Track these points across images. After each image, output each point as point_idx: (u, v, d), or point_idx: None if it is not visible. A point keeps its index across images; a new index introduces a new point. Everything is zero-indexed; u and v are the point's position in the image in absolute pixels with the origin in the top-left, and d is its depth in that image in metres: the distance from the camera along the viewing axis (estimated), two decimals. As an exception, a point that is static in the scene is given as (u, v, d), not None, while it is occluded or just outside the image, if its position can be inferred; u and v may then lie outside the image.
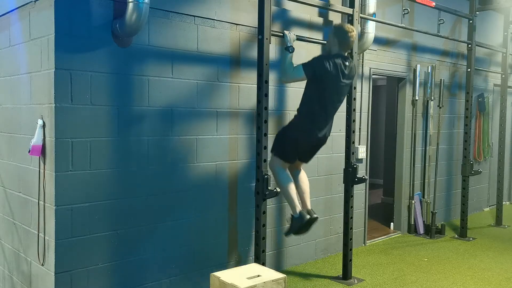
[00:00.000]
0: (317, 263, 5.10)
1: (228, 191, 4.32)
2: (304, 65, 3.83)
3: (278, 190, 3.88)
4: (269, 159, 3.91)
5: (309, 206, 4.07)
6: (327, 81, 3.83)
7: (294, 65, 3.90)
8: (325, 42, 4.88)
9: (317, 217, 4.02)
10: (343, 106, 4.72)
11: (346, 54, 3.98)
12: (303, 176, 4.18)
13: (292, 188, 3.97)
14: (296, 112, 4.05)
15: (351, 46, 4.00)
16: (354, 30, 3.94)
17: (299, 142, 3.99)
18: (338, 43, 3.90)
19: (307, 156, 4.18)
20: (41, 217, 3.46)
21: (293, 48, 3.97)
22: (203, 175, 4.12)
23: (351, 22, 4.57)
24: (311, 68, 3.81)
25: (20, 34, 3.68)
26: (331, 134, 4.87)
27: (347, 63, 3.89)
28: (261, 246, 3.85)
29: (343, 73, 3.85)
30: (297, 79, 3.96)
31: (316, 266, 5.01)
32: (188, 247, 4.05)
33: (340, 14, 5.10)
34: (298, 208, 3.97)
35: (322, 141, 4.06)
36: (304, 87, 4.00)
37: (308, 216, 3.95)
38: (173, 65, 3.87)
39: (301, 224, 3.95)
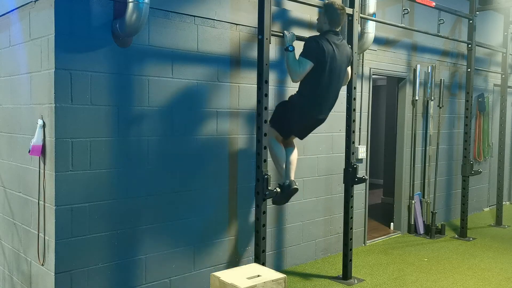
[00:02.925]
0: (317, 263, 5.10)
1: (228, 191, 4.32)
2: (305, 54, 3.91)
3: (278, 190, 3.89)
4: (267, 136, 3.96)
5: (292, 177, 4.16)
6: (324, 60, 3.92)
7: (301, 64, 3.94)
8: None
9: (297, 188, 4.11)
10: (343, 106, 4.74)
11: (337, 29, 4.06)
12: (294, 152, 4.32)
13: (283, 158, 4.15)
14: (295, 92, 4.15)
15: (342, 23, 4.07)
16: (344, 8, 4.02)
17: (297, 121, 4.12)
18: (329, 21, 3.99)
19: (302, 134, 4.33)
20: (41, 217, 3.46)
21: (293, 47, 3.98)
22: (203, 175, 4.12)
23: (351, 22, 4.58)
24: (313, 53, 3.90)
25: (20, 34, 3.68)
26: (331, 134, 4.89)
27: (338, 39, 4.00)
28: (261, 246, 3.85)
29: (337, 48, 3.96)
30: (307, 70, 3.95)
31: (316, 266, 5.01)
32: (188, 247, 4.05)
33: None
34: (287, 176, 4.13)
35: (321, 121, 4.21)
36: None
37: (294, 185, 4.06)
38: (173, 65, 3.87)
39: (289, 191, 4.05)
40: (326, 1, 4.09)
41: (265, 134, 3.82)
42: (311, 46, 3.95)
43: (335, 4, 4.01)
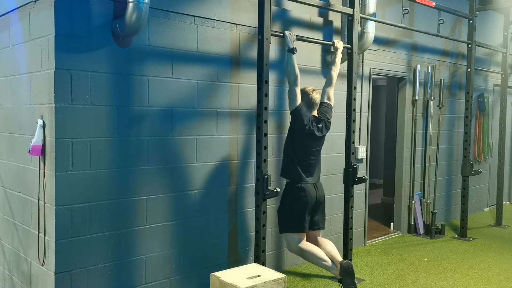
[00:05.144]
0: (317, 263, 5.09)
1: (228, 191, 4.32)
2: (296, 108, 4.09)
3: (278, 190, 3.89)
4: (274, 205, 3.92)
5: (340, 258, 4.23)
6: (305, 134, 4.13)
7: (297, 97, 4.09)
8: (325, 42, 4.92)
9: (350, 261, 4.22)
10: (343, 106, 4.75)
11: (318, 115, 4.25)
12: (324, 240, 4.37)
13: (319, 251, 4.19)
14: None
15: (317, 104, 4.26)
16: (314, 90, 4.27)
17: (299, 202, 4.14)
18: (306, 104, 4.20)
19: (315, 218, 4.30)
20: (41, 217, 3.46)
21: (296, 49, 4.03)
22: (203, 175, 4.12)
23: (351, 22, 4.58)
24: (297, 115, 4.10)
25: (20, 34, 3.68)
26: (331, 134, 4.88)
27: (320, 125, 4.22)
28: (261, 246, 3.85)
29: (318, 130, 4.21)
30: (291, 99, 4.12)
31: (316, 266, 5.00)
32: (188, 247, 4.05)
33: (340, 14, 5.11)
34: (337, 263, 4.17)
35: (319, 193, 4.26)
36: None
37: (344, 261, 4.14)
38: (173, 65, 3.87)
39: (347, 271, 4.10)
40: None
41: (265, 134, 3.82)
42: (301, 112, 4.08)
43: (306, 89, 4.24)
